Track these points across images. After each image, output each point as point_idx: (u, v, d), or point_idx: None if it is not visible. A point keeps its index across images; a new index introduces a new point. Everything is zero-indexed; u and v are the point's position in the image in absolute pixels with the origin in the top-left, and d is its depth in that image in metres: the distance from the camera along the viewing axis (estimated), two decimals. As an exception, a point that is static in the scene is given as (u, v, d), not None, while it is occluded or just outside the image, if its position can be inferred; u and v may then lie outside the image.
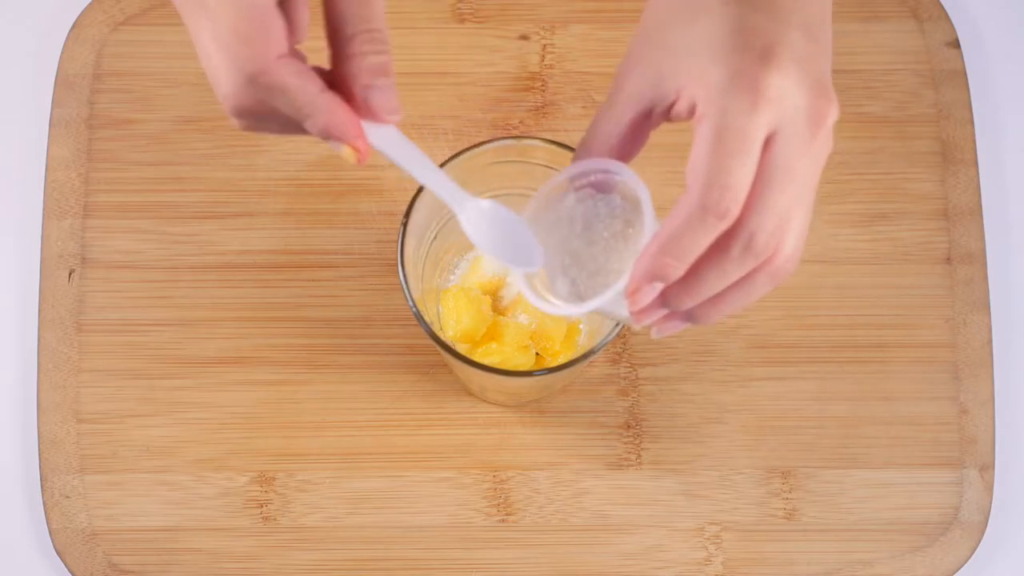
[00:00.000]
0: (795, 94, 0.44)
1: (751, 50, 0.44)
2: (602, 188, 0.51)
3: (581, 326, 0.70)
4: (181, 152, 0.75)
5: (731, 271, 0.46)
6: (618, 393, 0.72)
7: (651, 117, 0.48)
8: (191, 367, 0.73)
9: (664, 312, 0.48)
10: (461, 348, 0.67)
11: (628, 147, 0.49)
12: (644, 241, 0.47)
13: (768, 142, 0.45)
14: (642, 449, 0.72)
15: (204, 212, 0.74)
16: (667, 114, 0.48)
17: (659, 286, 0.46)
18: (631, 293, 0.47)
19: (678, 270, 0.46)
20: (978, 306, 0.73)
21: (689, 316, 0.49)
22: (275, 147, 0.75)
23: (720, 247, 0.45)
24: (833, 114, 0.45)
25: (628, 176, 0.49)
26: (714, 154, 0.44)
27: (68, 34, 0.76)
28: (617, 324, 0.58)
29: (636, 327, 0.50)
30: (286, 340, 0.73)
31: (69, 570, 0.70)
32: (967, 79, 0.76)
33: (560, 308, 0.51)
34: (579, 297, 0.51)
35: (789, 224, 0.46)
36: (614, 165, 0.49)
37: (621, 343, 0.73)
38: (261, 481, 0.71)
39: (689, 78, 0.45)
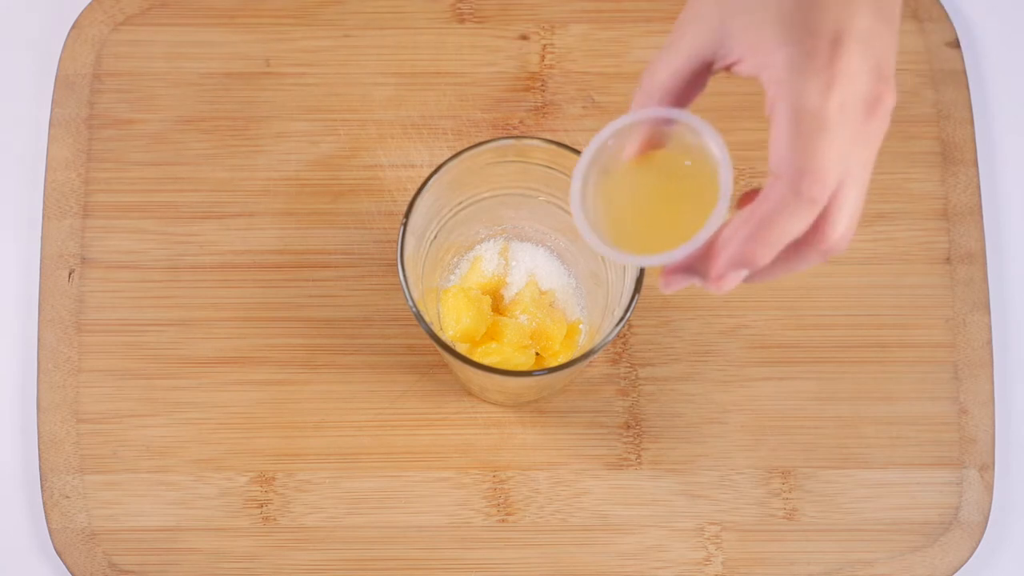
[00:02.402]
0: (861, 78, 0.45)
1: (822, 30, 0.44)
2: (657, 141, 0.50)
3: (581, 326, 0.70)
4: (181, 152, 0.75)
5: (793, 236, 0.46)
6: (618, 393, 0.72)
7: (710, 69, 0.48)
8: (191, 367, 0.73)
9: (737, 269, 0.48)
10: (461, 348, 0.67)
11: (687, 93, 0.48)
12: (720, 204, 0.46)
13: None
14: (642, 449, 0.72)
15: (204, 212, 0.74)
16: (727, 69, 0.47)
17: (744, 272, 0.46)
18: (716, 279, 0.47)
19: (767, 257, 0.46)
20: (978, 306, 0.73)
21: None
22: (275, 147, 0.75)
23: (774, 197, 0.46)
24: (889, 100, 0.45)
25: (699, 125, 0.48)
26: (799, 138, 0.44)
27: (68, 34, 0.76)
28: (618, 324, 0.58)
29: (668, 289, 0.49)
30: (285, 340, 0.73)
31: (69, 570, 0.70)
32: (967, 79, 0.76)
33: (633, 259, 0.49)
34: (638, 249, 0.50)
35: (842, 203, 0.46)
36: (677, 113, 0.48)
37: (621, 343, 0.73)
38: (261, 481, 0.71)
39: (756, 49, 0.45)
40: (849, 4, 0.45)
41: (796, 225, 0.45)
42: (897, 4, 0.47)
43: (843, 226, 0.46)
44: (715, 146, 0.47)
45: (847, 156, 0.45)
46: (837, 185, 0.45)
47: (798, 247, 0.47)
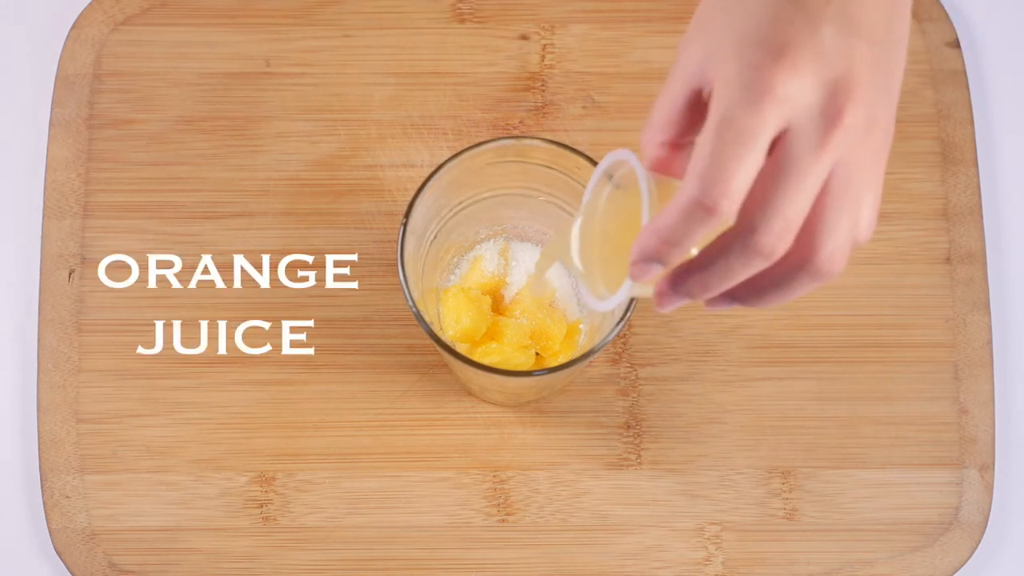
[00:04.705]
0: (808, 92, 0.44)
1: (769, 44, 0.44)
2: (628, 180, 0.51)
3: (581, 326, 0.70)
4: (181, 152, 0.75)
5: (737, 267, 0.45)
6: (618, 393, 0.72)
7: (702, 97, 0.47)
8: (191, 367, 0.73)
9: (682, 299, 0.47)
10: (461, 348, 0.67)
11: (687, 123, 0.48)
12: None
13: (777, 141, 0.44)
14: (642, 449, 0.72)
15: (204, 212, 0.74)
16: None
17: (657, 266, 0.46)
18: (631, 265, 0.46)
19: (671, 255, 0.45)
20: (978, 306, 0.73)
21: (731, 299, 0.48)
22: (275, 147, 0.75)
23: (722, 242, 0.45)
24: (851, 115, 0.44)
25: (634, 163, 0.48)
26: (710, 147, 0.43)
27: (68, 34, 0.76)
28: (618, 324, 0.58)
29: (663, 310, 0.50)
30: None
31: (69, 570, 0.70)
32: (967, 79, 0.76)
33: (605, 303, 0.51)
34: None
35: (827, 221, 0.45)
36: (625, 153, 0.49)
37: (621, 343, 0.73)
38: (261, 481, 0.71)
39: (715, 67, 0.45)
40: (813, 19, 0.44)
41: (693, 227, 0.44)
42: (893, 14, 0.46)
43: (831, 246, 0.45)
44: (640, 180, 0.48)
45: (796, 171, 0.44)
46: (796, 208, 0.44)
47: (783, 268, 0.46)
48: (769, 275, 0.47)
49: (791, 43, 0.44)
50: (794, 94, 0.43)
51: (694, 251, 0.47)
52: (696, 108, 0.47)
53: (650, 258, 0.46)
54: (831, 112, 0.44)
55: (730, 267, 0.45)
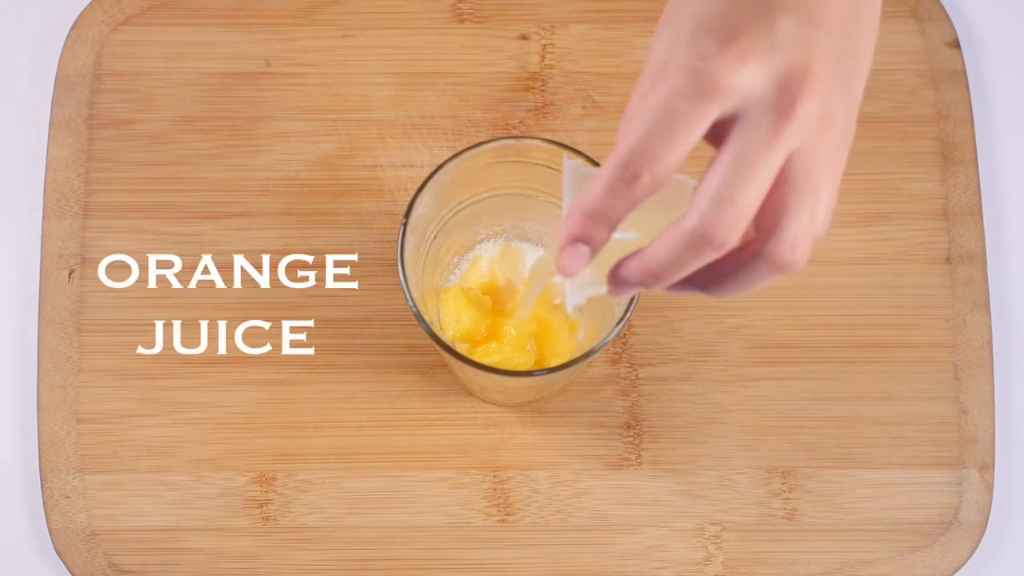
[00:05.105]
0: (758, 82, 0.43)
1: (720, 33, 0.43)
2: None
3: (581, 326, 0.70)
4: (181, 152, 0.75)
5: (686, 256, 0.45)
6: (618, 393, 0.72)
7: None
8: (191, 367, 0.73)
9: (634, 287, 0.47)
10: (461, 348, 0.67)
11: None
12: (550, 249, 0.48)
13: (725, 131, 0.44)
14: (642, 449, 0.72)
15: (204, 212, 0.74)
16: None
17: (583, 247, 0.46)
18: (559, 252, 0.46)
19: (596, 231, 0.45)
20: (978, 306, 0.73)
21: (691, 285, 0.48)
22: (275, 147, 0.75)
23: (673, 230, 0.45)
24: (808, 105, 0.43)
25: (567, 165, 0.49)
26: (643, 127, 0.43)
27: (68, 34, 0.76)
28: (618, 324, 0.58)
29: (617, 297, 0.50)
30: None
31: (69, 570, 0.70)
32: (967, 79, 0.76)
33: (579, 294, 0.51)
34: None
35: (786, 209, 0.44)
36: (567, 161, 0.49)
37: (621, 343, 0.73)
38: (261, 481, 0.71)
39: (673, 58, 0.45)
40: (770, 8, 0.44)
41: (618, 200, 0.44)
42: (859, 15, 0.45)
43: (792, 234, 0.45)
44: (565, 173, 0.48)
45: (746, 161, 0.43)
46: (747, 199, 0.43)
47: (744, 257, 0.46)
48: (728, 263, 0.46)
49: (743, 32, 0.43)
50: (743, 83, 0.43)
51: (635, 235, 0.48)
52: None
53: (576, 237, 0.45)
54: (783, 103, 0.43)
55: (679, 256, 0.45)
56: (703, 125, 0.43)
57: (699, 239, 0.44)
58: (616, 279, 0.47)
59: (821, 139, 0.45)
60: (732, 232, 0.44)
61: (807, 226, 0.45)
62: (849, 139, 0.46)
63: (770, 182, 0.44)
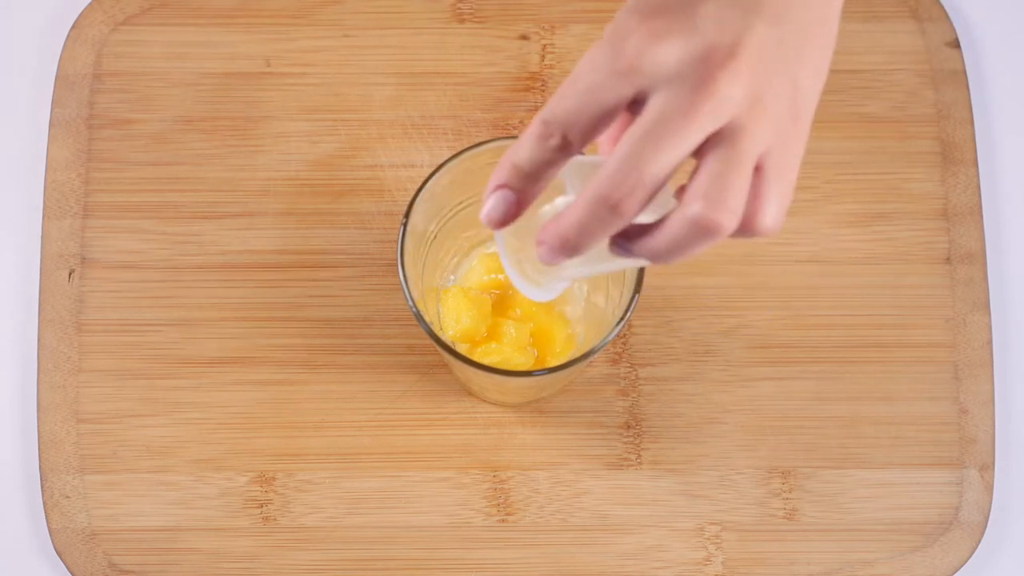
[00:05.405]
0: (672, 57, 0.44)
1: (642, 11, 0.45)
2: None
3: (581, 326, 0.70)
4: (181, 152, 0.75)
5: (590, 221, 0.45)
6: (618, 393, 0.72)
7: None
8: (191, 367, 0.73)
9: (559, 251, 0.48)
10: (461, 348, 0.67)
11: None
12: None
13: (641, 105, 0.45)
14: (642, 449, 0.72)
15: (204, 212, 0.74)
16: None
17: (508, 193, 0.48)
18: (484, 202, 0.48)
19: (518, 179, 0.47)
20: (978, 306, 0.73)
21: (620, 247, 0.48)
22: (275, 147, 0.75)
23: (579, 197, 0.46)
24: (727, 85, 0.43)
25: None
26: (565, 90, 0.45)
27: (68, 34, 0.76)
28: (618, 324, 0.58)
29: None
30: (286, 340, 0.73)
31: (69, 570, 0.70)
32: (967, 79, 0.76)
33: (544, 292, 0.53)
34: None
35: (714, 180, 0.44)
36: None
37: (621, 343, 0.73)
38: (261, 481, 0.71)
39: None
40: None
41: (536, 155, 0.46)
42: (808, 9, 0.46)
43: (733, 201, 0.44)
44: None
45: (656, 131, 0.44)
46: (659, 165, 0.44)
47: (678, 227, 0.45)
48: (656, 226, 0.47)
49: (665, 11, 0.44)
50: (656, 60, 0.44)
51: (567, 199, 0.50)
52: None
53: (500, 183, 0.47)
54: (699, 79, 0.43)
55: (586, 222, 0.46)
56: (615, 97, 0.45)
57: (600, 206, 0.45)
58: (538, 243, 0.48)
59: (754, 126, 0.44)
60: (632, 200, 0.44)
61: (740, 190, 0.45)
62: (799, 133, 0.46)
63: (682, 156, 0.44)
